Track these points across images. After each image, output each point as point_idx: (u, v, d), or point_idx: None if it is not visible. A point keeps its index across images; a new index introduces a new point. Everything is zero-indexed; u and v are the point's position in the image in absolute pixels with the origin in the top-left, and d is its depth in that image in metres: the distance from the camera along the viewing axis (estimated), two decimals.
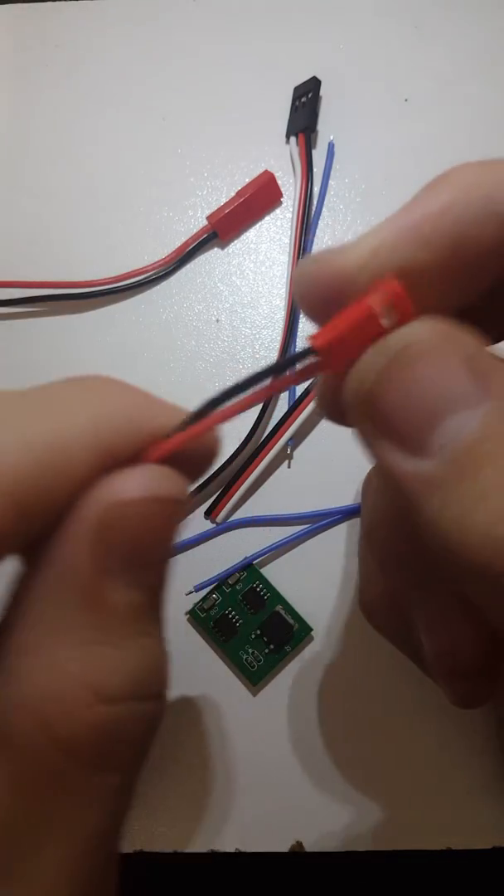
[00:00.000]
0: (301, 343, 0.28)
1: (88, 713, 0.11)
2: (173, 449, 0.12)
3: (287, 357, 0.12)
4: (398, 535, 0.16)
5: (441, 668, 0.16)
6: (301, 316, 0.28)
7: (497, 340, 0.15)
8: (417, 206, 0.12)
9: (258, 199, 0.29)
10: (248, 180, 0.29)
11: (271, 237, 0.30)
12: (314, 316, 0.13)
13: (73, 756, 0.11)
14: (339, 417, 0.15)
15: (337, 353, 0.12)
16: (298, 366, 0.12)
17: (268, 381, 0.12)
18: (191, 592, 0.25)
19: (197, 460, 0.13)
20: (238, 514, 0.26)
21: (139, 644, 0.12)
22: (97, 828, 0.11)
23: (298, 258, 0.28)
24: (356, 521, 0.26)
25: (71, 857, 0.11)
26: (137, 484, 0.11)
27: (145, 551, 0.12)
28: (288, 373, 0.12)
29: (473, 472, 0.11)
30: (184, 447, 0.12)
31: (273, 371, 0.12)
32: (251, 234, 0.30)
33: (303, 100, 0.31)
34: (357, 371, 0.12)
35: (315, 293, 0.13)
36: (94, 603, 0.11)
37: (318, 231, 0.29)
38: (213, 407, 0.12)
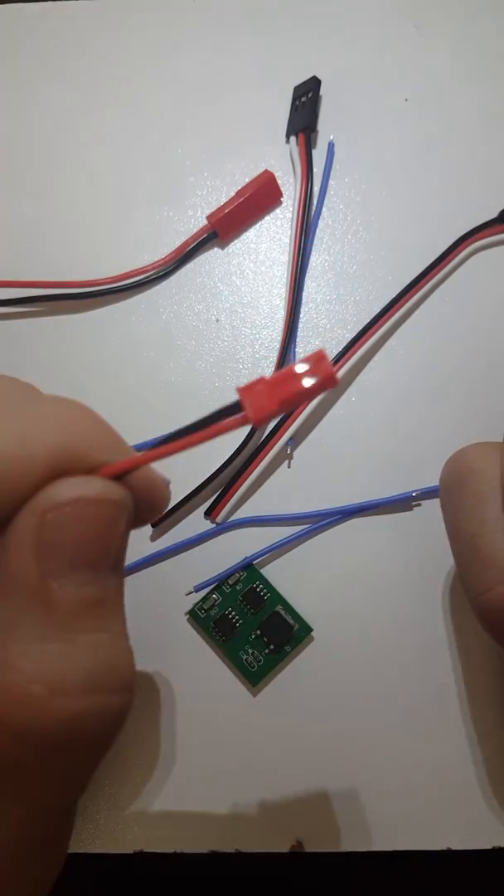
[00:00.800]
0: (300, 343, 0.28)
1: (42, 708, 0.11)
2: (119, 469, 0.13)
3: (218, 409, 0.13)
4: None
5: None
6: (301, 316, 0.28)
7: None
8: None
9: (258, 198, 0.29)
10: (248, 180, 0.29)
11: (271, 237, 0.30)
12: None
13: (28, 746, 0.11)
14: None
15: (260, 407, 0.12)
16: (228, 417, 0.13)
17: (201, 430, 0.13)
18: (191, 592, 0.25)
19: (149, 502, 0.15)
20: (238, 514, 0.26)
21: (93, 639, 0.12)
22: (49, 806, 0.12)
23: (298, 258, 0.28)
24: (356, 521, 0.26)
25: (20, 829, 0.11)
26: (72, 487, 0.12)
27: (89, 552, 0.12)
28: (220, 422, 0.13)
29: None
30: (127, 469, 0.13)
31: (208, 421, 0.13)
32: (251, 234, 0.30)
33: (303, 99, 0.31)
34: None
35: None
36: (41, 601, 0.12)
37: (318, 231, 0.29)
38: (162, 444, 0.13)
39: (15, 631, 0.12)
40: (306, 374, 0.12)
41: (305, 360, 0.12)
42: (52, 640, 0.12)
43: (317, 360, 0.12)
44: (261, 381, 0.12)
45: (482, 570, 0.18)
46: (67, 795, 0.12)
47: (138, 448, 0.14)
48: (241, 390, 0.13)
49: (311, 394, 0.12)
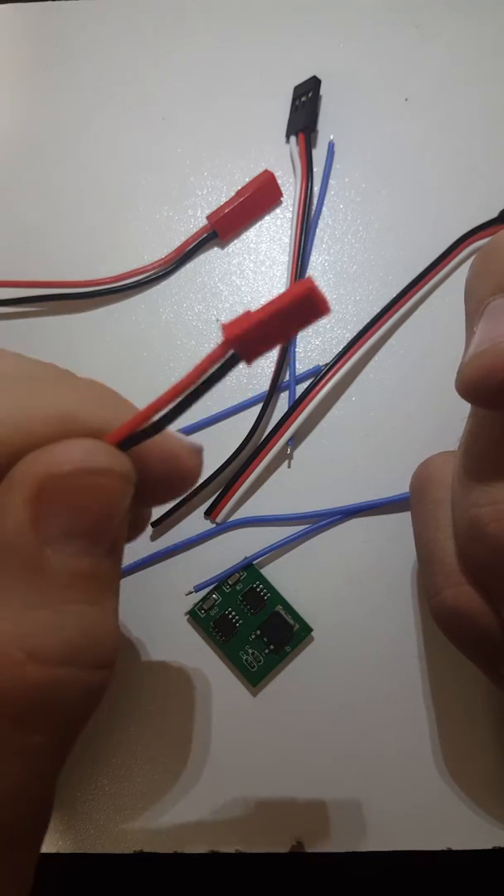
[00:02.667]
0: (300, 343, 0.28)
1: (18, 671, 0.11)
2: (125, 432, 0.12)
3: (207, 356, 0.12)
4: None
5: None
6: None
7: None
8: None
9: (258, 198, 0.29)
10: (247, 180, 0.29)
11: (271, 237, 0.30)
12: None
13: (1, 711, 0.11)
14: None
15: (248, 343, 0.12)
16: (219, 363, 0.12)
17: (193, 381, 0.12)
18: (191, 593, 0.25)
19: (171, 474, 0.14)
20: (238, 514, 0.26)
21: (79, 611, 0.12)
22: (17, 786, 0.11)
23: (298, 258, 0.28)
24: (356, 521, 0.26)
25: None
26: (75, 450, 0.12)
27: (87, 522, 0.12)
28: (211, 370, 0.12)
29: None
30: (132, 430, 0.12)
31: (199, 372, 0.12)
32: (251, 234, 0.30)
33: (303, 99, 0.31)
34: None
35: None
36: (33, 567, 0.11)
37: (318, 231, 0.29)
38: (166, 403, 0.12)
39: (3, 593, 0.11)
40: (299, 307, 0.12)
41: (295, 293, 0.12)
42: (37, 607, 0.11)
43: (309, 293, 0.12)
44: (244, 316, 0.12)
45: (434, 573, 0.19)
46: (39, 771, 0.12)
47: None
48: (227, 328, 0.12)
49: (303, 327, 0.12)
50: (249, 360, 0.12)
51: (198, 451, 0.15)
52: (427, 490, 0.20)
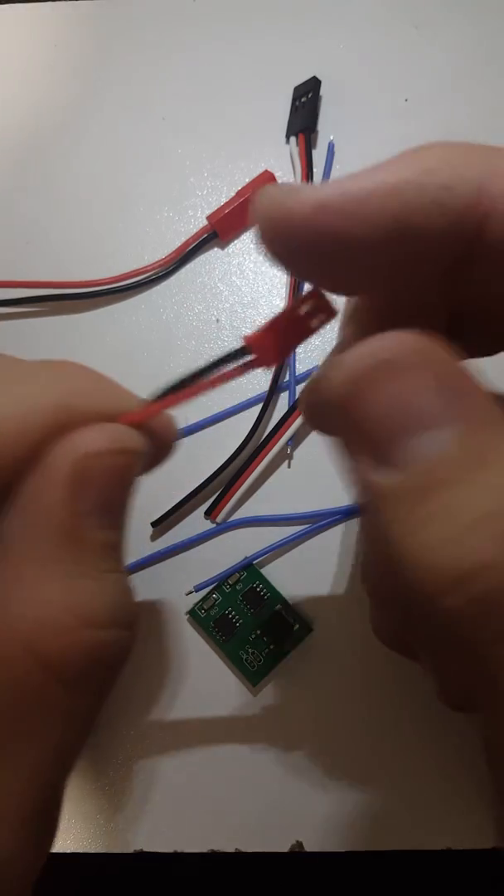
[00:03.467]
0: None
1: (73, 636, 0.12)
2: (137, 419, 0.14)
3: (225, 354, 0.13)
4: (389, 576, 0.16)
5: (443, 699, 0.16)
6: None
7: (476, 355, 0.15)
8: (377, 174, 0.12)
9: None
10: (248, 180, 0.29)
11: None
12: (262, 238, 0.14)
13: (56, 675, 0.12)
14: (321, 425, 0.15)
15: (267, 349, 0.13)
16: (236, 362, 0.13)
17: (210, 376, 0.14)
18: (191, 592, 0.25)
19: (161, 444, 0.15)
20: (238, 514, 0.26)
21: (114, 577, 0.13)
22: (63, 745, 0.12)
23: None
24: (356, 522, 0.26)
25: (37, 769, 0.12)
26: (107, 436, 0.13)
27: (113, 495, 0.13)
28: (228, 368, 0.14)
29: (427, 494, 0.11)
30: (143, 420, 0.14)
31: (215, 366, 0.14)
32: (251, 234, 0.30)
33: (303, 100, 0.31)
34: (330, 379, 0.12)
35: (267, 222, 0.13)
36: (73, 540, 0.12)
37: None
38: (168, 393, 0.14)
39: (48, 566, 0.12)
40: (310, 313, 0.13)
41: (306, 301, 0.13)
42: (81, 577, 0.12)
43: (316, 299, 0.13)
44: (268, 330, 0.13)
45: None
46: (78, 738, 0.13)
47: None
48: (249, 339, 0.13)
49: (317, 331, 0.13)
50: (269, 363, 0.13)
51: (173, 420, 0.16)
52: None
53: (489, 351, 0.16)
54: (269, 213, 0.13)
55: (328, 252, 0.13)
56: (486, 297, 0.14)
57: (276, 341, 0.13)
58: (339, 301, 0.14)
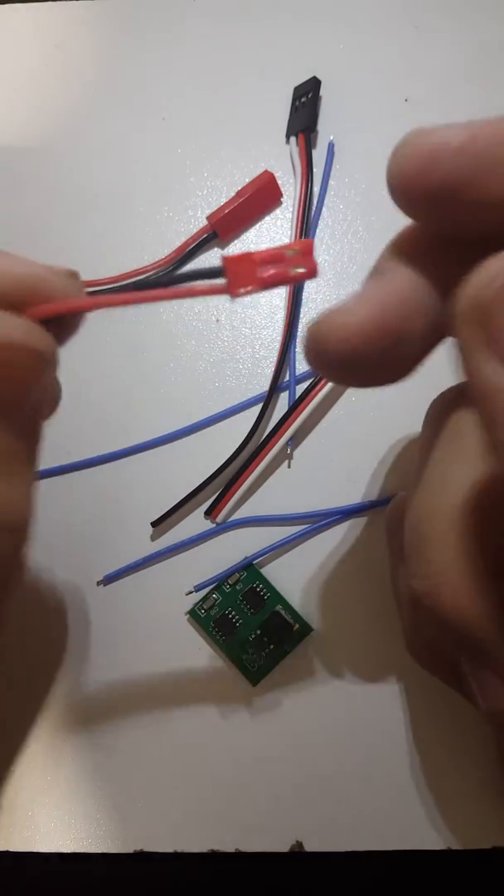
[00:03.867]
0: (301, 343, 0.28)
1: None
2: (56, 311, 0.13)
3: (195, 270, 0.13)
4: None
5: (493, 723, 0.16)
6: (301, 316, 0.28)
7: None
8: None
9: (258, 199, 0.29)
10: (248, 180, 0.29)
11: (271, 237, 0.30)
12: (404, 181, 0.14)
13: None
14: (323, 365, 0.15)
15: (241, 276, 0.12)
16: (204, 281, 0.13)
17: (171, 287, 0.13)
18: (191, 592, 0.25)
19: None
20: (238, 514, 0.26)
21: None
22: None
23: None
24: (356, 521, 0.26)
25: None
26: (4, 332, 0.12)
27: (5, 395, 0.12)
28: (195, 284, 0.13)
29: None
30: (64, 312, 0.13)
31: (180, 278, 0.13)
32: (251, 235, 0.30)
33: (303, 100, 0.31)
34: (482, 276, 0.12)
35: (413, 160, 0.14)
36: None
37: (318, 231, 0.29)
38: (110, 292, 0.13)
39: None
40: (293, 261, 0.13)
41: (293, 246, 0.13)
42: None
43: (304, 251, 0.13)
44: (247, 256, 0.12)
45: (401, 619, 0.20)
46: None
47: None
48: (227, 260, 0.12)
49: (293, 281, 0.13)
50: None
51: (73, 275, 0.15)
52: (389, 539, 0.21)
53: None
54: (418, 152, 0.13)
55: (475, 185, 0.13)
56: None
57: (252, 271, 0.12)
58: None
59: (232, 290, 0.12)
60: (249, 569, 0.25)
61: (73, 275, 0.14)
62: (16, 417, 0.13)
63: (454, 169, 0.12)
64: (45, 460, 0.27)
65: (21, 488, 0.13)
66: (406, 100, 0.31)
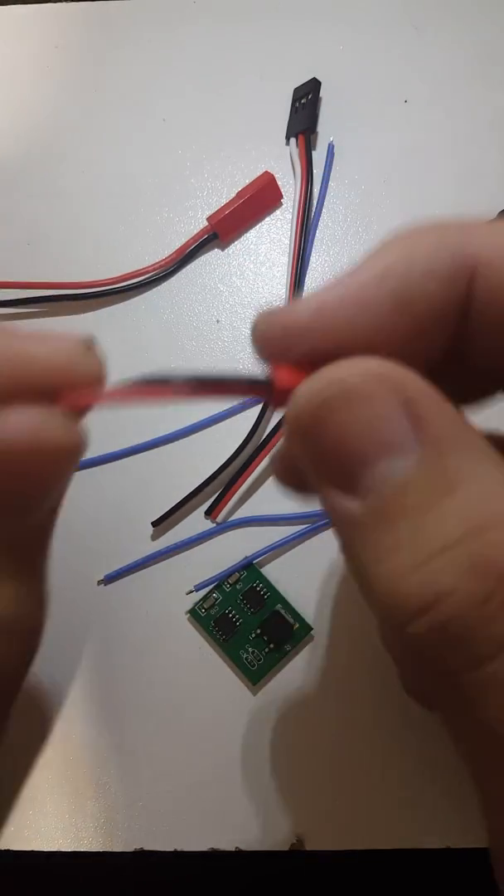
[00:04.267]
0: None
1: None
2: (92, 403, 0.11)
3: (244, 377, 0.12)
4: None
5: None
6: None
7: (465, 401, 0.15)
8: (363, 269, 0.12)
9: (258, 200, 0.29)
10: (248, 181, 0.30)
11: (271, 238, 0.30)
12: (266, 359, 0.13)
13: None
14: (292, 483, 0.15)
15: (287, 394, 0.12)
16: (251, 389, 0.12)
17: (213, 386, 0.12)
18: (191, 592, 0.25)
19: None
20: (238, 514, 0.26)
21: None
22: None
23: (298, 259, 0.28)
24: None
25: None
26: (23, 420, 0.11)
27: (29, 492, 0.12)
28: (236, 388, 0.12)
29: (391, 521, 0.11)
30: (94, 404, 0.12)
31: (223, 380, 0.12)
32: (251, 235, 0.30)
33: (303, 101, 0.31)
34: (295, 406, 0.12)
35: (268, 343, 0.13)
36: None
37: (317, 232, 0.29)
38: (147, 384, 0.12)
39: None
40: None
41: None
42: None
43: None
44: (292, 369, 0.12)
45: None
46: None
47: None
48: (277, 377, 0.12)
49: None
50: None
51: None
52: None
53: (475, 399, 0.15)
54: (269, 333, 0.13)
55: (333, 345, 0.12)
56: (477, 351, 0.13)
57: (295, 384, 0.12)
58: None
59: (277, 405, 0.12)
60: (249, 568, 0.25)
61: (90, 347, 0.13)
62: (37, 514, 0.12)
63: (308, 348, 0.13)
64: None
65: (35, 587, 0.13)
66: (406, 101, 0.31)
